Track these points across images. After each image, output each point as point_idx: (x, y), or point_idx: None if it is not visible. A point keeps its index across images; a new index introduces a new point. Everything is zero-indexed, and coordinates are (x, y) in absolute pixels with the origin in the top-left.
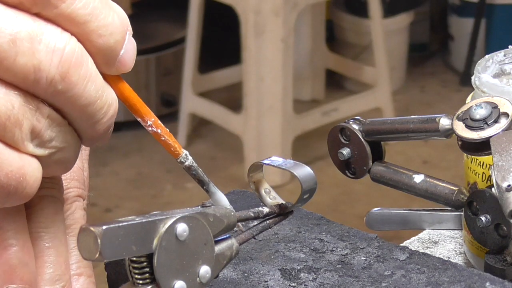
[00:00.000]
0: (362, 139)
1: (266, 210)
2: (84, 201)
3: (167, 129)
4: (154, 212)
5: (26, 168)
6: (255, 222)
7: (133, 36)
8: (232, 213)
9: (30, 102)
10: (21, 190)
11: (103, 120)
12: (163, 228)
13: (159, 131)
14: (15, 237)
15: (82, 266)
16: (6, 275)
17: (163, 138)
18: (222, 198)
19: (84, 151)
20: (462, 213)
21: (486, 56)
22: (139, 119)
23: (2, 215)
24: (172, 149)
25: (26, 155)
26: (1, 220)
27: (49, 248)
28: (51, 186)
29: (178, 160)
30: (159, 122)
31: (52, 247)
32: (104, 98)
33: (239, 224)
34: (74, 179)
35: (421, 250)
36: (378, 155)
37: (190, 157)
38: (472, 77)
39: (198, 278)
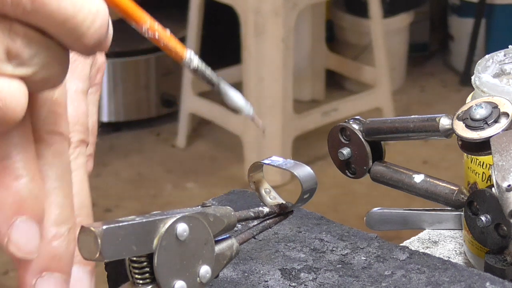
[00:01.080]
0: (362, 139)
1: (266, 210)
2: (89, 147)
3: (167, 31)
4: (154, 212)
5: (5, 91)
6: (255, 222)
7: (134, 36)
8: (232, 213)
9: (0, 23)
10: (3, 114)
11: (90, 32)
12: (163, 228)
13: (156, 36)
14: (25, 167)
15: (81, 215)
16: (15, 206)
17: (162, 44)
18: (235, 97)
19: (93, 96)
20: (462, 213)
21: (486, 56)
22: (133, 25)
23: (11, 145)
24: (173, 54)
25: (5, 77)
26: (10, 149)
27: (56, 189)
28: (57, 122)
29: (182, 63)
30: (157, 25)
31: (59, 187)
32: (86, 10)
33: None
34: (78, 123)
35: (421, 250)
36: (378, 155)
37: (195, 58)
38: (472, 77)
39: (198, 278)
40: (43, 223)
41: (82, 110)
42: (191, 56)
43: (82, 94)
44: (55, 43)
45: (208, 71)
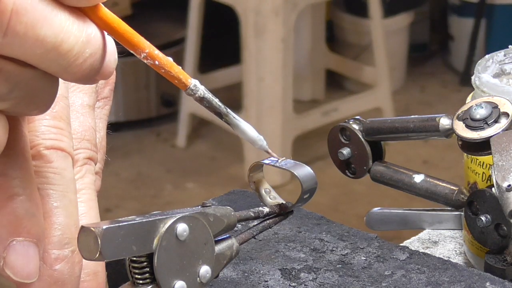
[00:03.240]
0: (362, 139)
1: (266, 210)
2: (97, 165)
3: (169, 58)
4: (154, 212)
5: None
6: (255, 222)
7: None
8: (232, 213)
9: None
10: None
11: (78, 62)
12: (163, 228)
13: (156, 63)
14: (22, 185)
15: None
16: (12, 226)
17: (163, 70)
18: (246, 129)
19: (100, 110)
20: (462, 213)
21: (486, 56)
22: (132, 51)
23: (7, 162)
24: (176, 81)
25: None
26: (6, 167)
27: (58, 208)
28: (58, 137)
29: (186, 92)
30: (156, 52)
31: (61, 207)
32: (72, 38)
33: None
34: (85, 139)
35: (421, 250)
36: (378, 155)
37: (201, 87)
38: (472, 77)
39: (198, 278)
40: (45, 245)
41: (89, 125)
42: (196, 85)
43: (89, 108)
44: (40, 72)
45: (215, 101)
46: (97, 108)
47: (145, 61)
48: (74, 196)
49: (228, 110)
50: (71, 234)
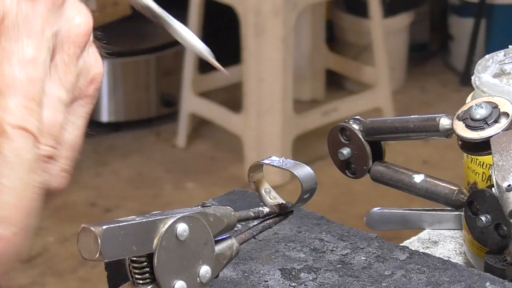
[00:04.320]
0: (362, 139)
1: (266, 210)
2: (63, 162)
3: None
4: (154, 212)
5: None
6: (255, 222)
7: (134, 36)
8: (232, 213)
9: None
10: None
11: None
12: (163, 228)
13: None
14: None
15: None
16: None
17: None
18: (187, 36)
19: (81, 108)
20: (462, 213)
21: (486, 56)
22: None
23: None
24: None
25: None
26: None
27: (7, 187)
28: (26, 118)
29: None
30: None
31: (12, 187)
32: None
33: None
34: (49, 134)
35: (421, 250)
36: (378, 155)
37: None
38: (472, 77)
39: (198, 278)
40: None
41: (56, 120)
42: None
43: (61, 104)
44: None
45: (156, 8)
46: (79, 106)
47: None
48: (27, 178)
49: (169, 17)
50: (16, 216)
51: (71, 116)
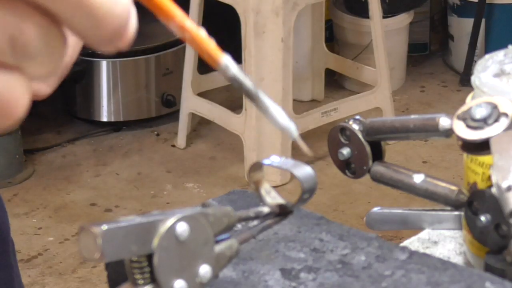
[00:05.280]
0: (362, 139)
1: (266, 210)
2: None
3: (202, 31)
4: (154, 212)
5: (5, 87)
6: (255, 222)
7: (133, 36)
8: (232, 213)
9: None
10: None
11: (108, 19)
12: (163, 228)
13: (187, 36)
14: None
15: None
16: None
17: (193, 45)
18: (276, 114)
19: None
20: (462, 213)
21: (486, 56)
22: (160, 19)
23: None
24: (207, 57)
25: (6, 70)
26: None
27: None
28: None
29: (218, 70)
30: (189, 23)
31: None
32: None
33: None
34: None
35: (421, 250)
36: (378, 155)
37: (233, 66)
38: (472, 77)
39: (198, 278)
40: None
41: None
42: (227, 63)
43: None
44: (62, 30)
45: (247, 82)
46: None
47: (176, 33)
48: None
49: (260, 93)
50: None
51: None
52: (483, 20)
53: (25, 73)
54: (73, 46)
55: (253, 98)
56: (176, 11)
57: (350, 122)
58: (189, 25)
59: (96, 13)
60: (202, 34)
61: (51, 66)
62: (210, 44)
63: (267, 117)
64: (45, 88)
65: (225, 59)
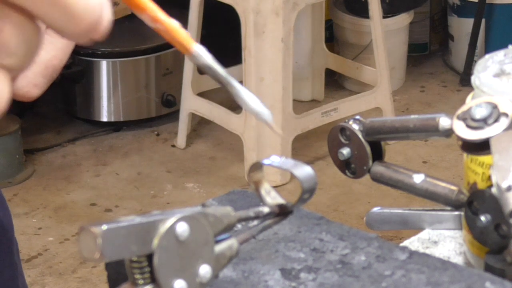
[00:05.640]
0: (362, 139)
1: (266, 210)
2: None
3: (174, 22)
4: (154, 212)
5: None
6: (255, 222)
7: (134, 36)
8: (232, 213)
9: None
10: None
11: (82, 12)
12: (163, 228)
13: (160, 26)
14: None
15: None
16: None
17: (167, 36)
18: (248, 100)
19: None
20: (462, 213)
21: (486, 56)
22: (133, 11)
23: None
24: (179, 47)
25: None
26: None
27: None
28: None
29: (190, 58)
30: (160, 15)
31: None
32: None
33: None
34: None
35: (421, 250)
36: (378, 155)
37: (205, 54)
38: (472, 77)
39: (198, 278)
40: None
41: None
42: (199, 51)
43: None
44: (37, 24)
45: (219, 69)
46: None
47: (149, 24)
48: None
49: (231, 79)
50: None
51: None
52: (483, 20)
53: (3, 68)
54: (62, 48)
55: (226, 85)
56: (148, 3)
57: (350, 122)
58: (161, 16)
59: (71, 9)
60: (174, 24)
61: (27, 59)
62: (182, 33)
63: (240, 103)
64: (34, 89)
65: (197, 48)
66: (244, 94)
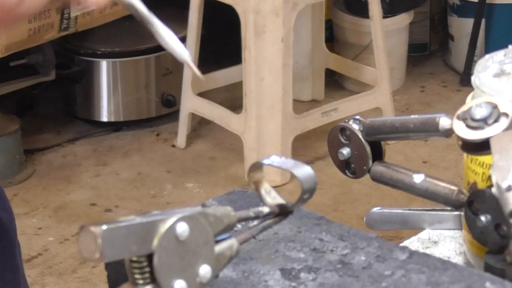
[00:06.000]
0: (362, 139)
1: (266, 210)
2: None
3: None
4: (154, 212)
5: None
6: (255, 222)
7: (134, 36)
8: (232, 213)
9: None
10: None
11: None
12: (163, 228)
13: None
14: None
15: None
16: None
17: None
18: (168, 39)
19: None
20: (462, 213)
21: (486, 56)
22: None
23: None
24: None
25: None
26: None
27: None
28: None
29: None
30: None
31: None
32: None
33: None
34: None
35: (421, 250)
36: (378, 155)
37: None
38: (472, 77)
39: (198, 278)
40: None
41: None
42: None
43: None
44: None
45: (141, 8)
46: None
47: None
48: None
49: (153, 18)
50: None
51: None
52: (483, 20)
53: None
54: None
55: (148, 24)
56: None
57: (350, 122)
58: None
59: None
60: None
61: None
62: None
63: (160, 42)
64: None
65: None
66: (165, 33)
